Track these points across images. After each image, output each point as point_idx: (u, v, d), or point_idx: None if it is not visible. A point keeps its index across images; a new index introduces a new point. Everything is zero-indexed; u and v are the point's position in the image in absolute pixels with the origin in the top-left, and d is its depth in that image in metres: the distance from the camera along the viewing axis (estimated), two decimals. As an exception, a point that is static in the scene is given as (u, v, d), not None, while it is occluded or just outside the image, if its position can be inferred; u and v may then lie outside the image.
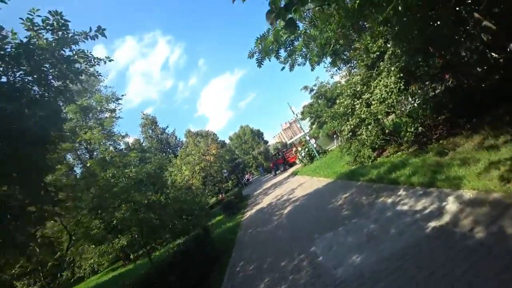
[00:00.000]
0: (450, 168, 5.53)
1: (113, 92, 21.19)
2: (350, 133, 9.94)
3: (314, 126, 23.89)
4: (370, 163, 9.92)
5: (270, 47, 3.86)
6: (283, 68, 5.57)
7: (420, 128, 7.03)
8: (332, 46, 4.79)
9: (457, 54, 7.63)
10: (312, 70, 9.48)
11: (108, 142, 14.21)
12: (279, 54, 3.84)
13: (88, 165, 12.10)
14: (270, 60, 4.13)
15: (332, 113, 11.22)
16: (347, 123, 9.74)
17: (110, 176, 10.09)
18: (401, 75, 6.95)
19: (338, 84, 20.20)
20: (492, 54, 7.35)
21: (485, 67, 7.48)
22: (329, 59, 10.19)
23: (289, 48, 3.79)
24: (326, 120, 13.06)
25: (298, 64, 5.61)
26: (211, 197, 22.53)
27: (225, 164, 19.28)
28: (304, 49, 5.39)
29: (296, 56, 5.45)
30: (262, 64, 4.32)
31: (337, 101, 10.88)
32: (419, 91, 6.90)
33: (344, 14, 4.13)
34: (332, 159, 16.41)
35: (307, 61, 5.35)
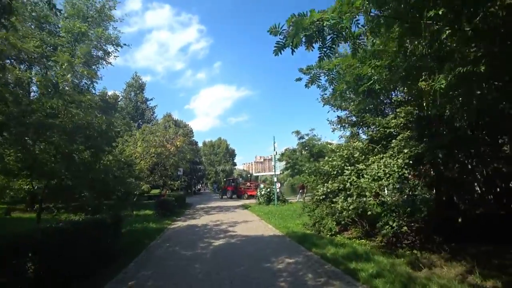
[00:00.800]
0: (425, 292, 4.40)
1: (118, 37, 19.38)
2: (323, 196, 8.80)
3: (286, 172, 22.88)
4: (328, 236, 8.73)
5: (306, 34, 2.68)
6: (299, 79, 4.45)
7: (404, 228, 5.98)
8: (370, 82, 3.81)
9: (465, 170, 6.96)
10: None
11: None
12: (313, 46, 2.69)
13: (36, 81, 10.12)
14: (293, 53, 2.92)
15: (314, 167, 10.14)
16: (326, 184, 8.64)
17: (49, 106, 8.20)
18: (411, 162, 6.05)
19: (329, 145, 19.68)
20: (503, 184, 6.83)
21: (490, 196, 6.80)
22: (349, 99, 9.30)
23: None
24: (304, 171, 11.99)
25: (318, 86, 4.52)
26: (151, 188, 20.25)
27: (183, 163, 17.45)
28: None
29: (322, 71, 4.36)
30: (280, 53, 3.11)
31: (326, 158, 9.89)
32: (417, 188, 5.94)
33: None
34: (289, 212, 15.16)
35: (330, 85, 4.27)
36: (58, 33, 17.58)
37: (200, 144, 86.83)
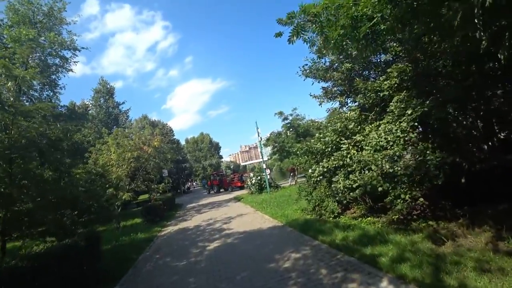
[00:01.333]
0: (462, 270, 3.73)
1: (74, 40, 17.48)
2: (320, 177, 8.04)
3: (274, 157, 22.16)
4: (331, 219, 8.05)
5: None
6: (279, 34, 3.50)
7: (421, 199, 5.31)
8: (373, 22, 2.94)
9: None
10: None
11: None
12: None
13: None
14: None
15: (305, 147, 9.32)
16: (321, 163, 7.86)
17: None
18: (416, 123, 5.32)
19: (314, 123, 18.99)
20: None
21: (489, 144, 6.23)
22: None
23: None
24: (295, 152, 11.20)
25: (304, 40, 3.56)
26: (135, 195, 19.04)
27: (166, 164, 16.28)
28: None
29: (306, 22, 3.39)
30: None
31: (316, 135, 9.08)
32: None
33: None
34: (284, 197, 14.48)
35: (320, 34, 3.32)
36: (5, 44, 15.68)
37: (183, 142, 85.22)
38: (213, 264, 6.13)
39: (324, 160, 7.80)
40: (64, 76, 18.38)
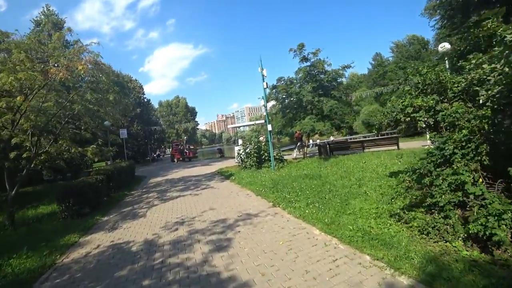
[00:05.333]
0: None
1: None
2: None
3: (277, 116, 15.90)
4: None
5: None
6: None
7: None
8: None
9: None
10: None
11: None
12: None
13: None
14: None
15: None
16: None
17: None
18: None
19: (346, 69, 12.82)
20: None
21: None
22: None
23: None
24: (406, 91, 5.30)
25: None
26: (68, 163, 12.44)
27: (109, 112, 9.47)
28: None
29: None
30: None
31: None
32: None
33: None
34: (304, 179, 8.71)
35: None
36: None
37: (156, 106, 76.33)
38: None
39: None
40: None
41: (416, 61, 35.30)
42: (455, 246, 3.37)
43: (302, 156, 15.89)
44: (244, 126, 35.77)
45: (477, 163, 3.75)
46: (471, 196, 3.46)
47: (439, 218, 3.67)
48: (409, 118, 4.52)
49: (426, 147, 12.98)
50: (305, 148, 15.96)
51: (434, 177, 3.99)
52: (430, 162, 4.15)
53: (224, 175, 13.35)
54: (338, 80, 13.44)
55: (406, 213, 4.30)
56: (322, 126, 12.40)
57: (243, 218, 5.70)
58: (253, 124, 19.74)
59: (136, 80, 43.66)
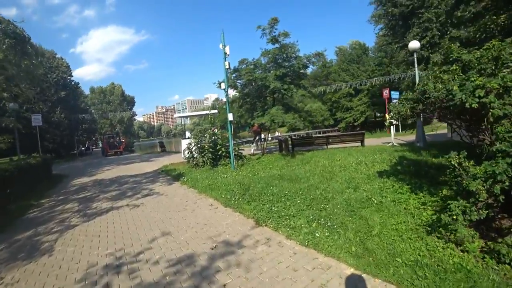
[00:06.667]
0: None
1: None
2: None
3: (233, 106, 13.94)
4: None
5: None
6: None
7: None
8: None
9: None
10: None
11: None
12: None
13: None
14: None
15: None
16: None
17: None
18: None
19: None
20: None
21: None
22: None
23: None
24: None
25: None
26: None
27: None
28: None
29: None
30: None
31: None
32: None
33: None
34: (277, 182, 7.08)
35: None
36: None
37: (87, 92, 66.75)
38: None
39: None
40: None
41: (357, 64, 37.21)
42: None
43: (261, 151, 14.27)
44: (196, 115, 32.73)
45: None
46: None
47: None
48: (477, 105, 3.07)
49: (389, 144, 12.79)
50: (265, 143, 14.35)
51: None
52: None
53: (171, 175, 10.92)
54: (309, 69, 12.14)
55: (461, 230, 3.00)
56: (291, 118, 10.88)
57: (221, 253, 3.65)
58: (205, 114, 17.40)
59: (62, 59, 36.19)
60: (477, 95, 3.12)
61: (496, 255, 2.84)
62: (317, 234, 3.75)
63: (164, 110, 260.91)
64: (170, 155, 22.28)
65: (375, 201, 4.87)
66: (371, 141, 15.71)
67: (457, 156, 3.35)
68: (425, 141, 10.36)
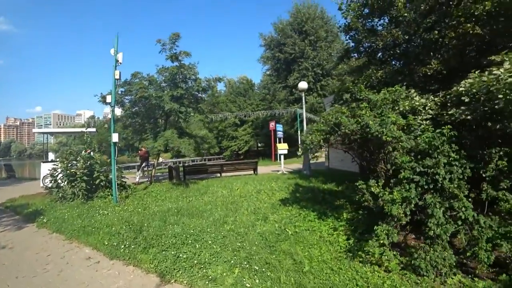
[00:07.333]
0: None
1: None
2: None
3: (118, 125, 11.85)
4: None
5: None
6: None
7: None
8: None
9: None
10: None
11: None
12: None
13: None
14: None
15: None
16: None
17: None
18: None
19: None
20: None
21: None
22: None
23: None
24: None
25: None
26: None
27: None
28: None
29: None
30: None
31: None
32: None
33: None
34: (176, 218, 6.20)
35: None
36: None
37: None
38: None
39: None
40: None
41: (244, 97, 40.33)
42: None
43: (148, 180, 12.51)
44: (65, 133, 25.92)
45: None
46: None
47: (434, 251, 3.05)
48: (390, 138, 3.40)
49: (279, 172, 13.70)
50: (153, 170, 12.66)
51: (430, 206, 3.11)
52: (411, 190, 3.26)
53: (22, 213, 7.96)
54: (208, 92, 11.68)
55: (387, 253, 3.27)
56: (187, 144, 10.00)
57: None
58: (78, 133, 13.97)
59: None
60: (392, 129, 3.41)
61: (413, 269, 3.21)
62: (247, 284, 3.11)
63: (18, 123, 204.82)
64: (21, 182, 16.59)
65: (290, 232, 4.71)
66: (261, 169, 16.48)
67: (375, 185, 3.50)
68: (311, 169, 11.56)
